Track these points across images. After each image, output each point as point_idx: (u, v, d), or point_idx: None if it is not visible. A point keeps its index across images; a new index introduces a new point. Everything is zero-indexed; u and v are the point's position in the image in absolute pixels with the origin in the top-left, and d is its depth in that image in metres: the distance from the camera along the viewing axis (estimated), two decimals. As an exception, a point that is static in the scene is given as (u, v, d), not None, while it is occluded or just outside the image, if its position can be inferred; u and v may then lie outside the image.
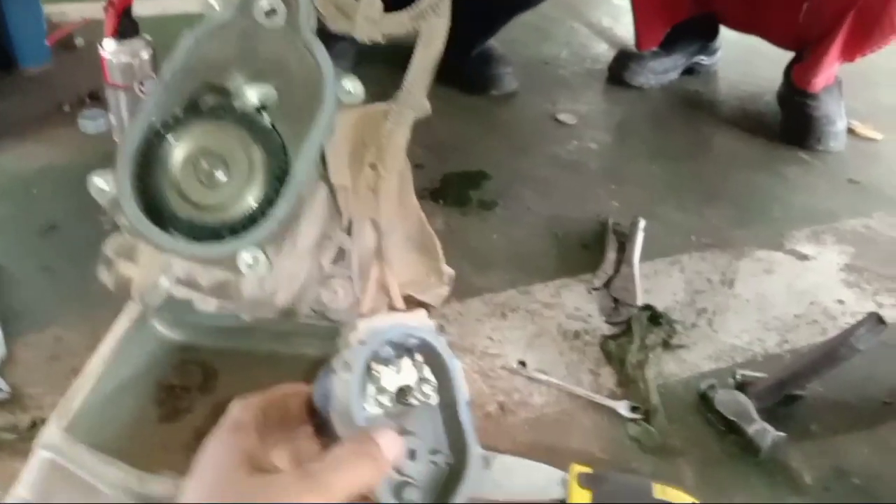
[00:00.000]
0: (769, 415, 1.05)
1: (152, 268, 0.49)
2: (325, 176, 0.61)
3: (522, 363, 1.14)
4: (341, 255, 0.81)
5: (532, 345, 1.18)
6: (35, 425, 0.97)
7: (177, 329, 1.08)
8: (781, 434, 1.01)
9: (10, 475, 0.87)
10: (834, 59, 1.69)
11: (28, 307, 1.17)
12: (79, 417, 0.87)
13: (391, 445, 0.50)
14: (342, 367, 0.51)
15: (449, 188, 1.51)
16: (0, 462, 0.95)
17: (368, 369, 0.53)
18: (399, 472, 0.52)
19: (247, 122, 0.49)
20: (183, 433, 0.99)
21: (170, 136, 0.48)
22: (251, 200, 0.50)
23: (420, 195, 1.15)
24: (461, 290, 1.26)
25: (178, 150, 0.49)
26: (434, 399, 0.55)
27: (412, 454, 0.53)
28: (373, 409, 0.53)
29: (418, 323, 0.55)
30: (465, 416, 0.54)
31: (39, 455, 0.83)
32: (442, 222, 1.42)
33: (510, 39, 2.01)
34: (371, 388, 0.53)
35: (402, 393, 0.54)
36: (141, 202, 0.48)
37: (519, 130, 1.74)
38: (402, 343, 0.55)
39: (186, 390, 1.04)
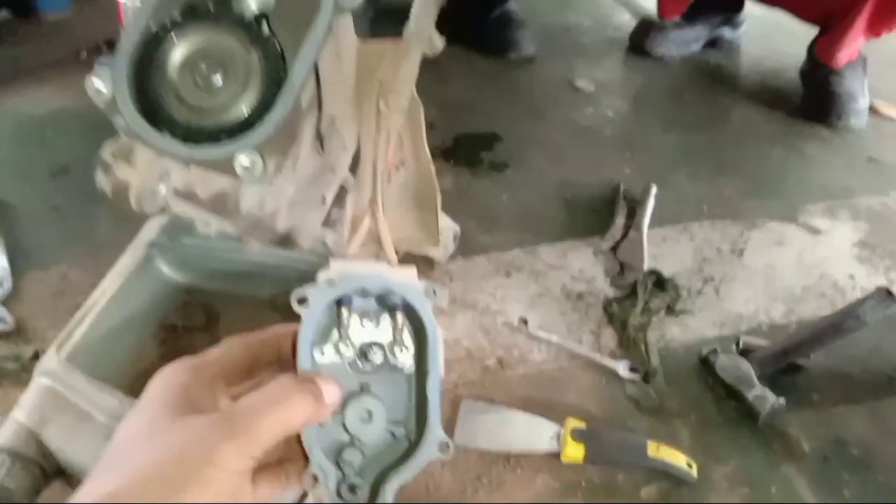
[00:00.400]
0: (771, 382, 1.04)
1: (150, 173, 0.49)
2: (319, 102, 0.61)
3: (524, 321, 1.14)
4: (344, 195, 0.81)
5: (534, 304, 1.18)
6: (37, 356, 0.98)
7: (181, 271, 1.09)
8: (781, 401, 1.01)
9: (12, 403, 0.88)
10: (859, 33, 1.65)
11: (36, 245, 1.19)
12: (79, 349, 0.88)
13: (330, 392, 0.47)
14: (300, 303, 0.48)
15: (461, 148, 1.50)
16: (2, 390, 0.97)
17: (338, 314, 0.50)
18: (348, 431, 0.49)
19: (245, 26, 0.48)
20: (182, 371, 1.00)
21: (169, 36, 0.48)
22: (248, 105, 0.50)
23: (431, 154, 1.14)
24: (467, 248, 1.25)
25: (176, 53, 0.49)
26: (408, 367, 0.51)
27: (369, 416, 0.49)
28: (331, 356, 0.50)
29: (404, 280, 0.51)
30: (434, 393, 0.50)
31: (38, 381, 0.84)
32: (452, 182, 1.42)
33: (532, 5, 1.99)
34: (335, 334, 0.50)
35: (367, 349, 0.50)
36: (139, 106, 0.47)
37: (535, 95, 1.72)
38: (385, 298, 0.51)
39: (188, 331, 1.05)
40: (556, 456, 0.95)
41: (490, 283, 1.21)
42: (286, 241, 0.72)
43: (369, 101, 0.68)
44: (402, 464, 0.49)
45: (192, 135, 0.48)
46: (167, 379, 0.47)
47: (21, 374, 0.98)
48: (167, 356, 1.02)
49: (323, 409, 0.47)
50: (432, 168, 0.89)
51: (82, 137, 1.40)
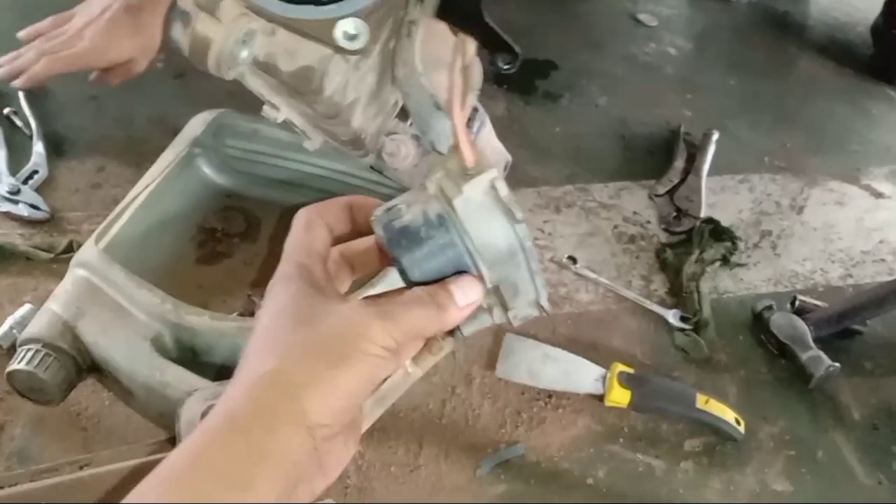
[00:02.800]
0: (823, 345, 1.00)
1: (235, 31, 0.43)
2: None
3: (572, 259, 1.09)
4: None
5: (584, 243, 1.13)
6: (72, 247, 0.95)
7: (223, 174, 1.05)
8: (836, 365, 0.96)
9: (44, 294, 0.85)
10: (946, -11, 1.55)
11: (74, 134, 1.14)
12: (117, 242, 0.84)
13: (469, 293, 0.46)
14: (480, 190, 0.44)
15: (515, 74, 1.42)
16: (34, 280, 0.94)
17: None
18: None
19: None
20: (219, 276, 0.97)
21: None
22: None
23: (485, 77, 1.07)
24: (516, 179, 1.20)
25: None
26: None
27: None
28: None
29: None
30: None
31: (74, 273, 0.80)
32: (504, 108, 1.36)
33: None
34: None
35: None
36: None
37: (595, 25, 1.64)
38: None
39: (228, 236, 1.02)
40: (599, 399, 0.91)
41: (539, 217, 1.16)
42: (355, 141, 0.66)
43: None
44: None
45: (291, -7, 0.43)
46: (303, 266, 0.47)
47: (53, 264, 0.95)
48: (204, 259, 0.99)
49: (455, 315, 0.47)
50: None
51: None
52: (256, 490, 0.39)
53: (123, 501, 0.38)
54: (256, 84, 0.51)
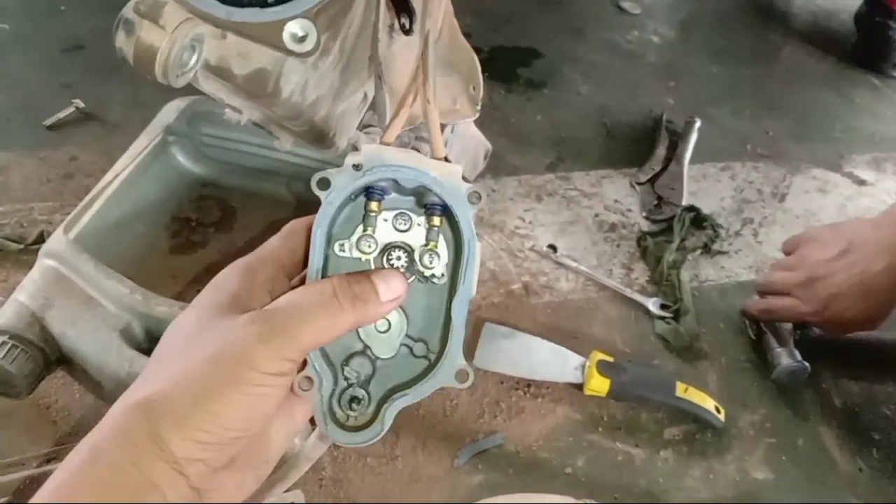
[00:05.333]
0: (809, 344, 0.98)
1: (181, 37, 0.41)
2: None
3: (553, 247, 1.08)
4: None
5: (565, 231, 1.13)
6: (42, 238, 0.93)
7: (198, 162, 1.03)
8: (803, 365, 0.94)
9: (14, 285, 0.83)
10: (928, -25, 1.55)
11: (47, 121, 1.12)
12: (87, 232, 0.83)
13: (393, 287, 0.42)
14: (320, 186, 0.42)
15: (496, 62, 1.42)
16: (3, 271, 0.93)
17: (367, 207, 0.44)
18: (361, 339, 0.44)
19: None
20: (193, 266, 0.95)
21: None
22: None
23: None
24: (497, 168, 1.19)
25: None
26: (441, 280, 0.45)
27: (387, 326, 0.44)
28: (352, 252, 0.44)
29: (444, 178, 0.43)
30: (459, 313, 0.44)
31: (42, 263, 0.78)
32: (485, 96, 1.33)
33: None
34: (359, 229, 0.44)
35: (389, 250, 0.44)
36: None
37: (578, 12, 1.63)
38: (423, 197, 0.45)
39: (202, 225, 1.00)
40: (578, 388, 0.90)
41: (519, 205, 1.15)
42: (321, 138, 0.65)
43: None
44: (414, 384, 0.44)
45: (235, -3, 0.41)
46: (219, 282, 0.43)
47: (23, 255, 0.93)
48: (178, 249, 0.98)
49: (378, 310, 0.42)
50: (454, 21, 0.78)
51: (98, 14, 1.32)
52: None
53: None
54: (212, 88, 0.50)
